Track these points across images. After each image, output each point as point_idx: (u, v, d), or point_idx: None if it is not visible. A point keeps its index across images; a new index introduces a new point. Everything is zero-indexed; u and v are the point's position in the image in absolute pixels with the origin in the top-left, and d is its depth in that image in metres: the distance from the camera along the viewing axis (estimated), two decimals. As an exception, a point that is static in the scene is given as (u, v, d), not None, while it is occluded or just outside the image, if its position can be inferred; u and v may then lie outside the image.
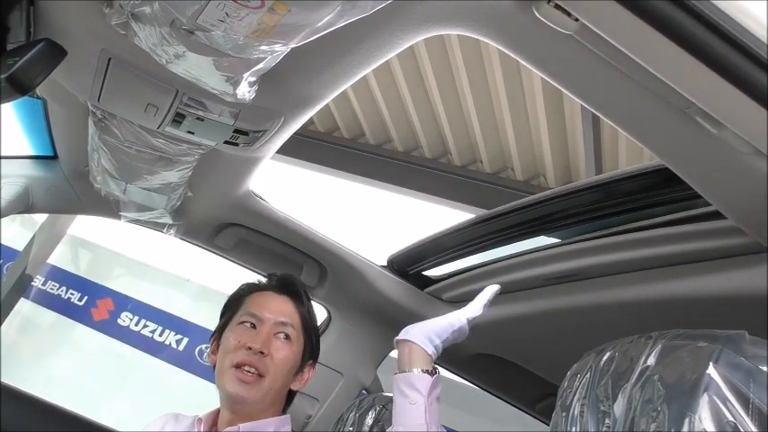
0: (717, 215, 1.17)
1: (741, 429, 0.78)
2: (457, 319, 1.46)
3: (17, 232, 5.46)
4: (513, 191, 4.61)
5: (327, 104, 1.36)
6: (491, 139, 4.71)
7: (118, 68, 1.20)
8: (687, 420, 0.81)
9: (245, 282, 1.71)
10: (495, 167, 4.86)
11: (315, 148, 5.13)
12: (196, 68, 1.03)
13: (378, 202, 5.03)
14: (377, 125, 5.12)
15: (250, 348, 1.50)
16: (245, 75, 1.04)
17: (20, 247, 5.31)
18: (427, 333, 1.43)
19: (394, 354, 2.21)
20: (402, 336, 1.45)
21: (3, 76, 1.06)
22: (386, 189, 5.00)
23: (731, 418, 0.79)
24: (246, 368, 1.49)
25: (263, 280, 1.69)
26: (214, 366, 1.60)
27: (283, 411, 1.60)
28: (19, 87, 1.07)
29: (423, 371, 1.37)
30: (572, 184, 1.50)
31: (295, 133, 1.43)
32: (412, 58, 4.46)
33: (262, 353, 1.50)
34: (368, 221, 4.55)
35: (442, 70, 4.44)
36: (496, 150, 4.78)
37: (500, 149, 4.76)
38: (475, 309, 1.49)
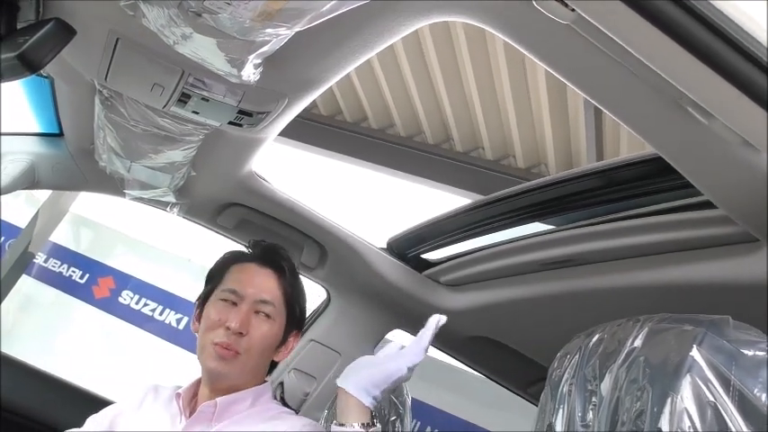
0: (708, 204, 1.19)
1: (721, 409, 0.81)
2: (398, 368, 1.40)
3: (18, 210, 5.49)
4: (514, 178, 4.63)
5: (331, 88, 1.37)
6: (493, 125, 4.72)
7: (125, 48, 1.23)
8: (670, 400, 0.84)
9: (229, 250, 1.70)
10: (496, 154, 4.87)
11: (317, 131, 5.14)
12: (202, 49, 1.06)
13: (379, 186, 5.05)
14: (380, 110, 5.13)
15: (228, 328, 1.50)
16: (251, 57, 1.06)
17: (21, 224, 5.34)
18: (365, 385, 1.38)
19: (389, 336, 2.25)
20: (341, 382, 1.41)
21: (13, 54, 1.09)
22: (387, 173, 5.02)
23: (712, 399, 0.82)
24: (225, 347, 1.51)
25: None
26: (197, 334, 1.61)
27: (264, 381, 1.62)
28: (29, 65, 1.09)
29: (361, 425, 1.34)
30: (569, 170, 1.52)
31: (297, 116, 1.45)
32: (416, 43, 4.46)
33: (240, 333, 1.51)
34: (368, 205, 4.57)
35: (446, 57, 4.45)
36: (498, 137, 4.79)
37: (502, 136, 4.78)
38: (417, 355, 1.43)
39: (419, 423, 4.36)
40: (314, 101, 1.41)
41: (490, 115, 4.65)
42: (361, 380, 1.39)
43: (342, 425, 1.35)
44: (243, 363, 1.52)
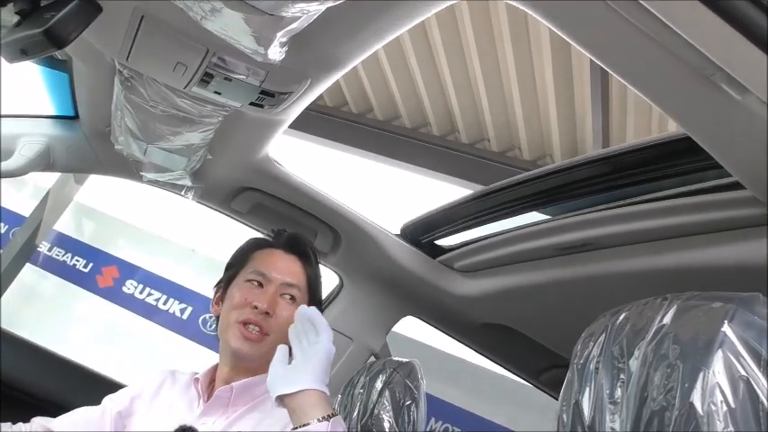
0: (731, 186, 1.19)
1: (753, 383, 0.81)
2: (329, 347, 1.36)
3: (20, 198, 5.50)
4: (519, 170, 4.62)
5: (336, 79, 1.38)
6: (499, 118, 4.72)
7: (150, 26, 1.23)
8: (701, 375, 0.84)
9: (253, 237, 1.72)
10: (502, 146, 4.87)
11: (323, 122, 5.14)
12: (230, 25, 1.05)
13: (384, 178, 5.05)
14: (385, 101, 5.13)
15: (256, 308, 1.52)
16: (278, 34, 1.06)
17: (23, 211, 5.34)
18: (319, 374, 1.32)
19: (396, 328, 2.26)
20: (289, 388, 1.31)
21: (39, 30, 1.08)
22: (392, 165, 5.02)
23: (744, 373, 0.82)
24: (251, 326, 1.52)
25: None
26: (217, 318, 1.62)
27: None
28: (56, 41, 1.08)
29: (321, 418, 1.27)
30: (585, 154, 1.52)
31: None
32: (422, 35, 4.46)
33: (267, 313, 1.52)
34: (374, 196, 4.57)
35: (452, 48, 4.44)
36: (504, 129, 4.79)
37: (508, 128, 4.78)
38: (329, 330, 1.39)
39: (423, 414, 4.37)
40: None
41: (496, 107, 4.65)
42: (316, 371, 1.33)
43: (306, 425, 1.28)
44: (269, 344, 1.51)
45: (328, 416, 1.28)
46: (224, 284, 1.65)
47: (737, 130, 0.97)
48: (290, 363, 1.36)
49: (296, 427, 1.29)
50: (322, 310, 1.67)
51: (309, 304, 1.59)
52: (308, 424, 1.27)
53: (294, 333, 1.40)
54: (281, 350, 1.39)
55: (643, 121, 4.16)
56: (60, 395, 2.31)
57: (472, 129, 4.90)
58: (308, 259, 1.64)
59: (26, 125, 1.86)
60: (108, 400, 1.65)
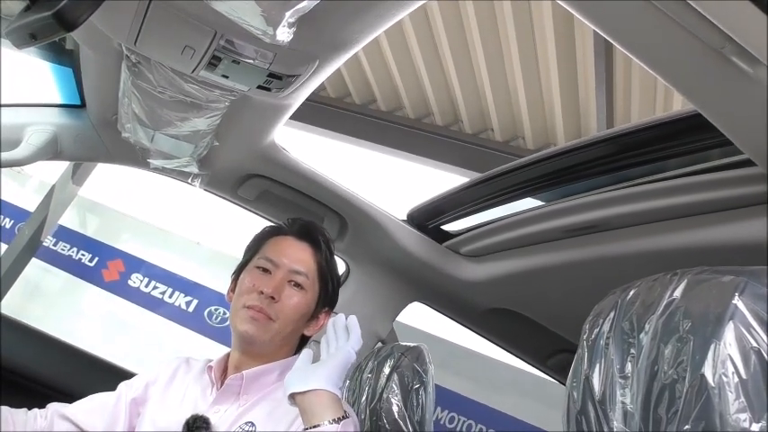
0: (738, 165, 1.19)
1: (764, 354, 0.82)
2: (350, 355, 1.39)
3: (24, 193, 5.51)
4: (523, 159, 4.61)
5: (339, 70, 1.38)
6: (503, 107, 4.72)
7: (158, 10, 1.23)
8: (713, 347, 0.85)
9: (268, 225, 1.74)
10: (505, 136, 4.87)
11: (326, 113, 5.14)
12: (240, 6, 1.05)
13: (388, 169, 5.05)
14: (389, 91, 5.13)
15: (262, 293, 1.53)
16: (287, 14, 1.06)
17: (29, 207, 5.35)
18: (333, 377, 1.35)
19: (400, 318, 2.26)
20: (301, 386, 1.34)
21: (49, 13, 1.09)
22: (396, 156, 5.02)
23: (755, 344, 0.82)
24: (257, 312, 1.53)
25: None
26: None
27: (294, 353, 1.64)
28: (65, 24, 1.09)
29: (332, 420, 1.29)
30: (590, 135, 1.52)
31: (306, 99, 1.47)
32: (426, 25, 4.46)
33: (272, 298, 1.53)
34: (377, 187, 4.57)
35: (456, 38, 4.44)
36: (508, 119, 4.79)
37: (512, 118, 4.78)
38: (358, 340, 1.42)
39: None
40: (322, 83, 1.41)
41: (500, 97, 4.65)
42: (330, 373, 1.35)
43: (316, 426, 1.30)
44: (275, 330, 1.54)
45: (339, 418, 1.30)
46: (237, 272, 1.67)
47: (748, 104, 0.97)
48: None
49: (307, 428, 1.31)
50: (336, 300, 1.69)
51: (320, 293, 1.62)
52: (319, 425, 1.29)
53: (326, 338, 1.44)
54: (306, 353, 1.43)
55: (647, 112, 4.16)
56: (61, 380, 2.33)
57: (475, 118, 4.91)
58: (320, 247, 1.65)
59: (33, 114, 1.86)
60: (123, 385, 1.67)
